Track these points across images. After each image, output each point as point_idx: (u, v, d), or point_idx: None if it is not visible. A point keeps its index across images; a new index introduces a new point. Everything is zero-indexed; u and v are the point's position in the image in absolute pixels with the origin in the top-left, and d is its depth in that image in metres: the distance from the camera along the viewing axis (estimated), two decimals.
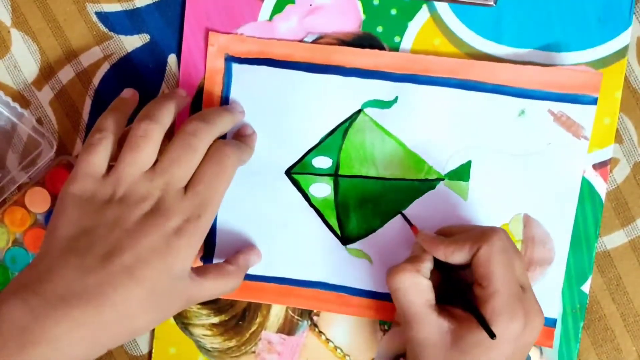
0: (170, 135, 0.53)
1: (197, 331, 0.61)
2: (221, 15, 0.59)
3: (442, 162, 0.58)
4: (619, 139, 0.58)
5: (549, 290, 0.58)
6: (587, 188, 0.58)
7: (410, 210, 0.58)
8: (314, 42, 0.58)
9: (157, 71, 0.60)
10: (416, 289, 0.51)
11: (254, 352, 0.61)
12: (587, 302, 0.59)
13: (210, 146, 0.52)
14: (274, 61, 0.58)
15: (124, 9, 0.60)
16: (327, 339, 0.60)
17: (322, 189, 0.59)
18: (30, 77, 0.61)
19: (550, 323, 0.58)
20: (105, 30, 0.60)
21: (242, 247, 0.59)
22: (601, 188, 0.58)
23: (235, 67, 0.58)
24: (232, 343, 0.61)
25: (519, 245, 0.58)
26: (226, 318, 0.61)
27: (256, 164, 0.58)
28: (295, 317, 0.60)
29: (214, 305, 0.61)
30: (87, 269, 0.47)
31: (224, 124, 0.54)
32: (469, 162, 0.58)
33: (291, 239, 0.59)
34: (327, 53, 0.58)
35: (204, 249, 0.60)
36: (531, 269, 0.58)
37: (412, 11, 0.58)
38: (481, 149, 0.58)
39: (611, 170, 0.58)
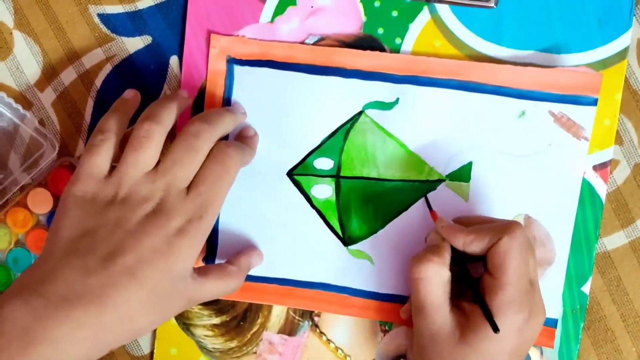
0: (172, 137, 0.53)
1: (199, 332, 0.61)
2: (223, 16, 0.59)
3: (443, 163, 0.58)
4: (619, 140, 0.58)
5: (549, 291, 0.58)
6: (587, 189, 0.58)
7: (411, 212, 0.58)
8: (315, 43, 0.58)
9: (159, 73, 0.60)
10: (439, 280, 0.52)
11: (255, 352, 0.61)
12: (588, 302, 0.59)
13: (213, 147, 0.52)
14: (275, 63, 0.58)
15: (126, 10, 0.60)
16: (328, 340, 0.61)
17: (323, 190, 0.59)
18: (32, 79, 0.61)
19: (551, 323, 0.58)
20: (107, 31, 0.60)
21: (244, 248, 0.59)
22: (601, 189, 0.58)
23: (237, 68, 0.58)
24: (234, 344, 0.61)
25: None
26: (227, 319, 0.61)
27: (258, 165, 0.59)
28: (297, 317, 0.60)
29: (215, 306, 0.61)
30: (89, 270, 0.47)
31: (226, 125, 0.54)
32: (470, 163, 0.58)
33: (292, 240, 0.59)
34: (328, 55, 0.58)
35: (205, 250, 0.60)
36: None
37: (413, 13, 0.58)
38: (482, 150, 0.58)
39: (611, 171, 0.59)
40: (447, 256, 0.52)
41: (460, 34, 0.58)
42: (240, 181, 0.59)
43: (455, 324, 0.51)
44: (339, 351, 0.61)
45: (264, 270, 0.60)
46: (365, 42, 0.58)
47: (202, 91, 0.59)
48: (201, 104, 0.59)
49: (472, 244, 0.52)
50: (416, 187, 0.58)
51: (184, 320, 0.61)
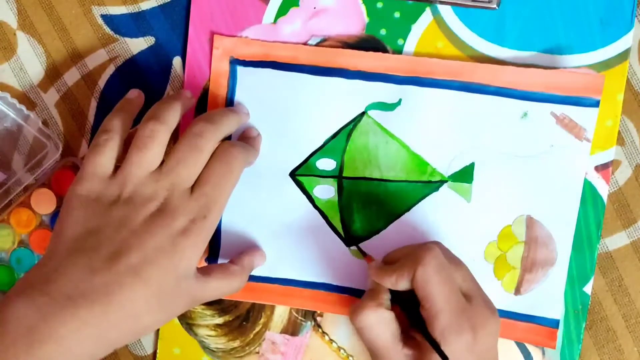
0: (175, 138, 0.53)
1: (202, 331, 0.61)
2: (226, 17, 0.59)
3: (446, 164, 0.58)
4: (620, 141, 0.59)
5: (551, 291, 0.58)
6: (589, 190, 0.58)
7: (413, 212, 0.59)
8: (317, 44, 0.59)
9: (162, 73, 0.60)
10: (381, 324, 0.51)
11: (257, 352, 0.61)
12: (589, 303, 0.59)
13: (217, 147, 0.53)
14: (278, 64, 0.58)
15: (130, 11, 0.60)
16: (330, 340, 0.61)
17: (326, 191, 0.59)
18: (36, 79, 0.61)
19: (553, 324, 0.59)
20: (111, 32, 0.61)
21: (247, 248, 0.59)
22: (603, 190, 0.58)
23: (240, 69, 0.59)
24: (236, 343, 0.61)
25: (521, 247, 0.58)
26: (230, 318, 0.61)
27: (260, 166, 0.59)
28: (299, 317, 0.61)
29: (218, 305, 0.61)
30: (94, 269, 0.47)
31: (229, 125, 0.55)
32: (472, 164, 0.58)
33: (295, 240, 0.60)
34: (331, 56, 0.58)
35: (208, 250, 0.60)
36: (534, 270, 0.58)
37: (416, 14, 0.58)
38: (484, 151, 0.58)
39: (613, 172, 0.59)
40: (384, 297, 0.52)
41: (463, 35, 0.58)
42: (243, 181, 0.59)
43: (411, 359, 0.51)
44: (342, 351, 0.61)
45: (266, 271, 0.60)
46: (367, 43, 0.58)
47: (205, 92, 0.59)
48: (204, 105, 0.59)
49: (398, 283, 0.51)
50: (418, 188, 0.58)
51: (187, 320, 0.61)
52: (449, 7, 0.58)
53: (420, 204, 0.58)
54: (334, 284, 0.60)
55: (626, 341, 0.59)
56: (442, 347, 0.49)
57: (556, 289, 0.58)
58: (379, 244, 0.59)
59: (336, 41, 0.59)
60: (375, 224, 0.59)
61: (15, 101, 0.60)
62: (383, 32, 0.58)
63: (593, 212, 0.58)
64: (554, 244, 0.58)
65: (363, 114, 0.58)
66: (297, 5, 0.59)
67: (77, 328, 0.45)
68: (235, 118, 0.56)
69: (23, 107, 0.60)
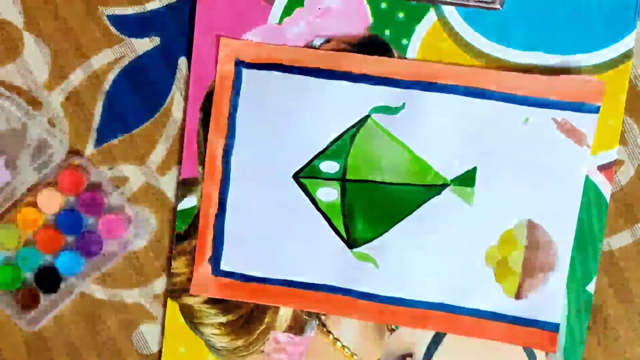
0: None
1: (207, 330, 0.61)
2: (231, 18, 0.59)
3: (448, 168, 0.58)
4: (623, 141, 0.59)
5: (551, 295, 0.58)
6: (592, 189, 0.58)
7: (416, 216, 0.59)
8: (322, 45, 0.59)
9: (167, 73, 0.61)
10: None
11: (262, 351, 0.61)
12: (592, 301, 0.59)
13: None
14: (283, 66, 0.58)
15: (135, 12, 0.60)
16: (334, 339, 0.61)
17: (329, 194, 0.59)
18: (41, 79, 0.61)
19: (553, 328, 0.59)
20: (117, 33, 0.61)
21: (250, 249, 0.59)
22: (606, 189, 0.59)
23: (245, 72, 0.59)
24: (241, 342, 0.62)
25: (522, 251, 0.58)
26: (234, 317, 0.61)
27: (264, 168, 0.59)
28: (304, 316, 0.61)
29: (223, 304, 0.61)
30: None
31: None
32: (475, 168, 0.58)
33: (298, 243, 0.60)
34: (336, 59, 0.58)
35: (212, 252, 0.60)
36: (534, 275, 0.58)
37: (420, 14, 0.58)
38: (486, 156, 0.58)
39: (616, 171, 0.59)
40: None
41: (467, 35, 0.58)
42: (247, 183, 0.59)
43: None
44: (346, 350, 0.61)
45: (270, 272, 0.60)
46: (371, 44, 0.59)
47: (210, 92, 0.60)
48: (209, 106, 0.59)
49: None
50: (421, 191, 0.59)
51: (192, 319, 0.61)
52: (452, 7, 0.58)
53: (422, 207, 0.59)
54: (336, 285, 0.60)
55: (629, 340, 0.60)
56: None
57: (556, 293, 0.58)
58: (381, 247, 0.59)
59: (340, 41, 0.59)
60: (378, 227, 0.59)
61: (21, 101, 0.60)
62: (387, 32, 0.59)
63: (596, 212, 0.59)
64: (554, 248, 0.58)
65: (367, 117, 0.58)
66: (302, 5, 0.59)
67: None
68: None
69: (29, 108, 0.60)
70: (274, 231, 0.60)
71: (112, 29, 0.61)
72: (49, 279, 0.62)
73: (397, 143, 0.58)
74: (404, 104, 0.58)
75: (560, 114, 0.57)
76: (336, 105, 0.58)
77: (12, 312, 0.62)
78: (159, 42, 0.61)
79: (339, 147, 0.59)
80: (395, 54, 0.59)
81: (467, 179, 0.58)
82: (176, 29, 0.60)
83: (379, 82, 0.58)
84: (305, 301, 0.60)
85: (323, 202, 0.59)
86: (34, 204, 0.61)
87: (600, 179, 0.58)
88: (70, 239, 0.62)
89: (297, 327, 0.61)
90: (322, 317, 0.61)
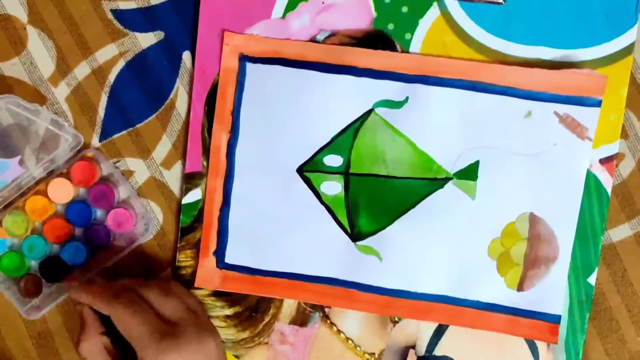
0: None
1: (213, 322, 0.62)
2: (235, 12, 0.59)
3: (451, 161, 0.59)
4: (624, 134, 0.59)
5: (553, 288, 0.59)
6: (593, 182, 0.59)
7: (419, 209, 0.59)
8: (326, 39, 0.59)
9: (171, 68, 0.61)
10: (97, 351, 0.55)
11: (267, 342, 0.62)
12: (593, 293, 0.60)
13: None
14: (287, 61, 0.59)
15: (139, 6, 0.61)
16: (338, 330, 0.62)
17: (332, 187, 0.60)
18: (46, 74, 0.62)
19: (554, 319, 0.59)
20: (121, 27, 0.61)
21: (254, 242, 0.60)
22: (607, 182, 0.59)
23: (249, 66, 0.59)
24: (246, 334, 0.62)
25: (524, 244, 0.59)
26: (240, 310, 0.62)
27: (268, 162, 0.59)
28: (308, 308, 0.61)
29: (228, 297, 0.62)
30: None
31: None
32: (477, 162, 0.59)
33: (302, 236, 0.60)
34: (340, 53, 0.58)
35: (216, 245, 0.61)
36: (536, 267, 0.59)
37: (423, 9, 0.59)
38: (489, 149, 0.58)
39: (617, 165, 0.59)
40: (94, 324, 0.56)
41: (470, 29, 0.59)
42: (251, 177, 0.60)
43: None
44: (350, 342, 0.62)
45: (274, 265, 0.60)
46: (375, 38, 0.59)
47: (214, 87, 0.60)
48: (213, 100, 0.60)
49: (102, 309, 0.55)
50: (424, 184, 0.59)
51: None
52: (455, 2, 0.58)
53: (425, 200, 0.59)
54: (340, 278, 0.60)
55: (629, 331, 0.60)
56: None
57: (558, 285, 0.59)
58: (384, 240, 0.60)
59: (344, 36, 0.59)
60: (381, 220, 0.60)
61: (24, 102, 0.60)
62: (391, 26, 0.59)
63: (597, 205, 0.59)
64: (556, 241, 0.59)
65: (370, 111, 0.59)
66: (306, 0, 0.59)
67: None
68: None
69: (37, 106, 0.60)
70: (278, 224, 0.60)
71: (117, 24, 0.61)
72: (53, 267, 0.62)
73: (400, 137, 0.59)
74: (407, 98, 0.58)
75: (562, 108, 0.58)
76: (340, 99, 0.59)
77: (14, 299, 0.62)
78: (163, 37, 0.61)
79: (342, 140, 0.59)
80: (399, 48, 0.59)
81: (469, 173, 0.59)
82: (180, 24, 0.60)
83: (383, 76, 0.58)
84: (309, 294, 0.60)
85: (327, 196, 0.60)
86: (45, 193, 0.61)
87: (601, 172, 0.59)
88: (78, 231, 0.62)
89: (301, 319, 0.62)
90: (326, 309, 0.61)
